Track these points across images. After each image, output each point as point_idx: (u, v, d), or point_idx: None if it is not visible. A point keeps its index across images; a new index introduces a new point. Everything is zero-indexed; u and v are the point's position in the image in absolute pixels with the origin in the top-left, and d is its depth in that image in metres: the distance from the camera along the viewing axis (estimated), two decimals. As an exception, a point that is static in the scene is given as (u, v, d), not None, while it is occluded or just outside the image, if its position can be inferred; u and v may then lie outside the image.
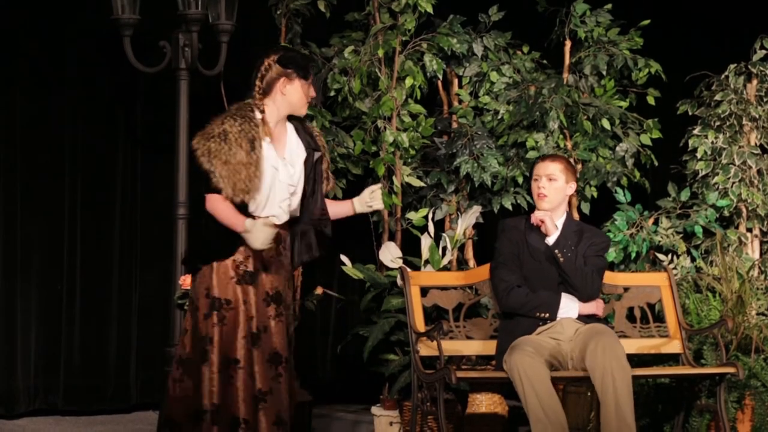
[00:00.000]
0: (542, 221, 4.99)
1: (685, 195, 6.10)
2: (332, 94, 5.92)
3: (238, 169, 4.31)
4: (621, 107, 6.08)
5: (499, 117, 6.03)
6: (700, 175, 6.14)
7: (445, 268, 5.68)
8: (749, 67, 6.16)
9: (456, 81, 6.18)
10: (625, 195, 6.06)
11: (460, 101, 6.15)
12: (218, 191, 4.33)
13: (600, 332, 4.84)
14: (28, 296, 5.95)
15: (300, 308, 5.83)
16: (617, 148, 6.08)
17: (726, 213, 6.10)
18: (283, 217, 4.46)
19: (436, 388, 4.89)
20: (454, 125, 6.13)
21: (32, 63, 5.95)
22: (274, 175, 4.40)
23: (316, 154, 4.53)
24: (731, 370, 5.09)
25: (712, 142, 6.12)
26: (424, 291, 5.30)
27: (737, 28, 6.60)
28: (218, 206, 4.34)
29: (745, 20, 6.56)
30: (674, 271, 5.77)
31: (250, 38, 6.14)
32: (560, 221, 5.04)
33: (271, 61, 4.44)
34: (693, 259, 5.99)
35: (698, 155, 6.14)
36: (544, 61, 6.21)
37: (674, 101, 6.25)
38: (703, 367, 5.29)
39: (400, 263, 5.60)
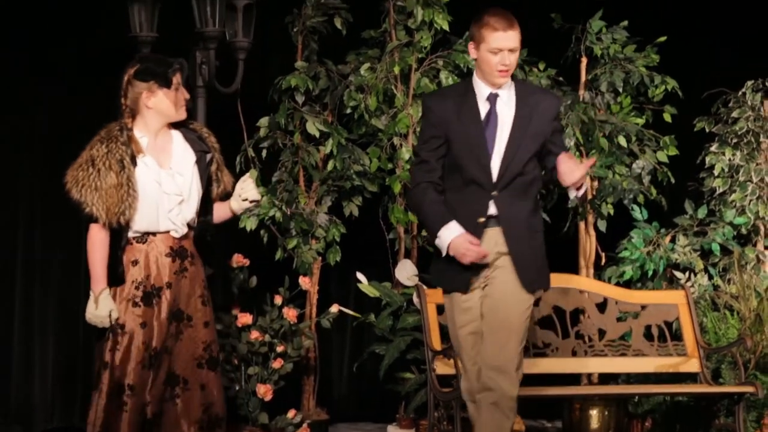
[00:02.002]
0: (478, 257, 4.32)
1: (702, 212, 6.08)
2: (348, 111, 5.92)
3: (110, 192, 4.19)
4: (637, 124, 6.06)
5: (516, 134, 6.02)
6: (718, 192, 6.12)
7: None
8: (766, 83, 6.14)
9: (472, 98, 6.17)
10: (641, 212, 6.04)
11: (477, 118, 6.14)
12: (92, 220, 4.21)
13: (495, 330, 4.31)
14: (45, 311, 5.96)
15: (316, 326, 5.83)
16: (634, 166, 6.06)
17: (743, 230, 6.08)
18: (181, 230, 4.33)
19: (453, 406, 4.88)
20: (471, 142, 6.12)
21: (52, 81, 5.97)
22: (158, 190, 4.29)
23: (208, 157, 4.41)
24: (750, 389, 5.06)
25: (730, 159, 6.10)
26: (441, 309, 5.29)
27: (754, 44, 6.58)
28: (92, 244, 4.23)
29: (763, 37, 6.54)
30: (692, 289, 5.75)
31: (267, 56, 6.16)
32: (506, 87, 4.39)
33: (129, 77, 4.32)
34: (710, 277, 5.96)
35: (715, 172, 6.12)
36: (560, 78, 6.20)
37: (691, 118, 6.24)
38: (722, 386, 5.27)
39: (416, 281, 5.59)
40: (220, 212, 4.50)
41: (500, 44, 4.31)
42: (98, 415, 4.20)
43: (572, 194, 4.37)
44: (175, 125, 4.40)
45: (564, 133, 4.41)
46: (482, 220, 4.31)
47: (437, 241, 4.32)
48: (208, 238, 4.42)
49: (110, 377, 4.20)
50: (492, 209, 4.32)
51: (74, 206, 4.22)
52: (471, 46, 4.40)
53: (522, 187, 4.35)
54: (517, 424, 5.58)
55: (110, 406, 4.20)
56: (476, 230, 4.30)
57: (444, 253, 4.32)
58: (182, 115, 4.38)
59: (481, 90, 4.39)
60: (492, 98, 4.37)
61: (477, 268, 4.32)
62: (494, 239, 4.34)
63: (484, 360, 4.31)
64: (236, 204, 4.50)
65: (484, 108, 4.37)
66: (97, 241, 4.22)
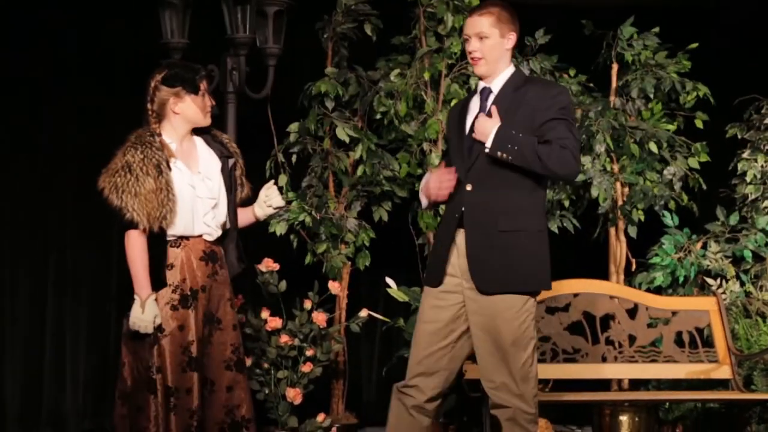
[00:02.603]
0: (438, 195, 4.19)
1: (734, 219, 6.04)
2: (378, 116, 5.94)
3: (150, 198, 4.22)
4: (668, 130, 6.04)
5: (546, 140, 6.01)
6: (750, 199, 6.08)
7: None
8: (799, 90, 6.11)
9: (502, 104, 6.17)
10: (672, 219, 6.01)
11: (506, 124, 6.14)
12: (134, 226, 4.23)
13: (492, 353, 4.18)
14: (77, 316, 6.01)
15: (345, 330, 5.84)
16: (665, 172, 6.04)
17: (776, 237, 6.04)
18: (215, 233, 4.37)
19: (482, 411, 4.86)
20: (500, 148, 6.11)
21: (82, 89, 6.02)
22: (192, 194, 4.33)
23: (231, 162, 4.45)
24: (782, 396, 5.02)
25: (762, 166, 6.06)
26: (470, 314, 5.27)
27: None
28: (134, 250, 4.24)
29: (795, 43, 6.51)
30: (723, 296, 5.71)
31: (297, 62, 6.19)
32: (500, 80, 4.25)
33: (157, 83, 4.35)
34: (742, 284, 5.92)
35: (747, 179, 6.08)
36: (591, 84, 6.19)
37: (723, 124, 6.20)
38: (754, 393, 5.22)
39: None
40: (243, 218, 4.53)
41: (467, 30, 4.25)
42: (160, 417, 4.21)
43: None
44: (196, 131, 4.44)
45: (574, 128, 4.18)
46: (457, 215, 4.20)
47: (421, 193, 4.29)
48: (239, 241, 4.46)
49: (163, 380, 4.24)
50: (464, 208, 4.18)
51: (113, 212, 4.23)
52: None
53: (507, 182, 4.14)
54: (546, 429, 5.55)
55: (167, 409, 4.23)
56: (451, 225, 4.21)
57: (425, 204, 4.28)
58: (208, 121, 4.42)
59: (478, 85, 4.33)
60: (485, 93, 4.27)
61: (440, 266, 4.19)
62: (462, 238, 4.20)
63: (488, 378, 4.18)
64: (260, 210, 4.53)
65: (475, 103, 4.30)
66: (138, 246, 4.25)
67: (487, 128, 4.14)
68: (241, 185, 4.50)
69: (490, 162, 4.15)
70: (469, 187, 4.19)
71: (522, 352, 4.15)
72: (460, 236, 4.20)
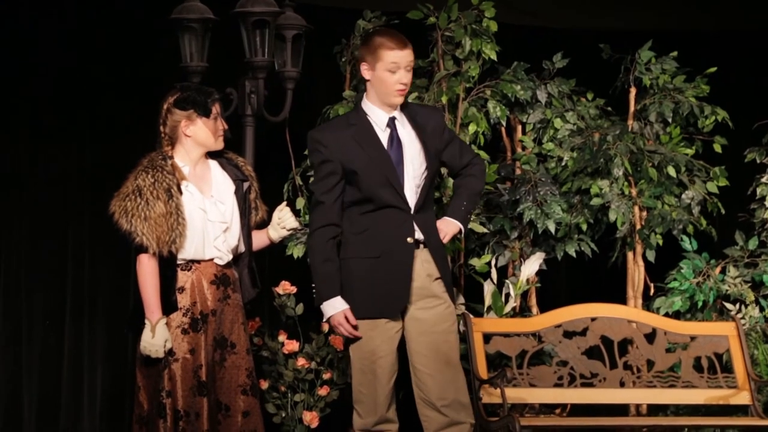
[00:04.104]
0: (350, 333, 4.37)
1: (753, 244, 6.01)
2: (396, 140, 5.94)
3: (159, 222, 4.21)
4: (687, 154, 6.03)
5: (563, 163, 6.01)
6: (769, 223, 6.06)
7: (508, 315, 5.64)
8: (818, 114, 6.09)
9: (519, 127, 6.18)
10: (691, 243, 5.98)
11: (524, 148, 6.14)
12: (144, 250, 4.23)
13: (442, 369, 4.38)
14: (94, 337, 6.02)
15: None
16: (683, 196, 6.02)
17: (795, 262, 6.00)
18: (226, 257, 4.37)
19: (497, 434, 4.85)
20: (518, 171, 6.12)
21: (102, 111, 6.05)
22: (203, 218, 4.32)
23: (245, 185, 4.45)
24: (802, 422, 4.98)
25: (781, 190, 6.04)
26: (487, 338, 5.27)
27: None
28: (145, 274, 4.25)
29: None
30: (742, 321, 5.68)
31: (315, 85, 6.21)
32: (401, 114, 4.43)
33: (169, 105, 4.36)
34: (762, 309, 5.88)
35: (767, 204, 6.05)
36: (609, 108, 6.18)
37: (742, 149, 6.18)
38: (773, 419, 5.19)
39: (462, 309, 5.57)
40: (258, 241, 4.53)
41: (398, 60, 4.31)
42: None
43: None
44: (211, 155, 4.44)
45: (464, 142, 4.69)
46: (411, 240, 4.34)
47: (321, 307, 4.37)
48: (252, 266, 4.46)
49: (172, 404, 4.23)
50: (417, 232, 4.35)
51: (123, 236, 4.25)
52: (364, 68, 4.39)
53: (429, 206, 4.43)
54: (564, 454, 5.52)
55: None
56: (407, 251, 4.31)
57: (324, 319, 4.40)
58: (220, 144, 4.42)
59: (377, 115, 4.39)
60: (392, 123, 4.39)
61: (403, 292, 4.33)
62: (420, 261, 4.36)
63: (440, 397, 4.31)
64: (274, 233, 4.53)
65: (384, 134, 4.37)
66: (149, 270, 4.26)
67: (450, 228, 4.48)
68: (256, 209, 4.50)
69: (428, 191, 4.41)
70: (415, 215, 4.36)
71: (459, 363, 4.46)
72: (418, 258, 4.35)
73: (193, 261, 4.32)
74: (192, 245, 4.30)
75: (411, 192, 4.35)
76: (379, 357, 4.34)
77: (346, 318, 4.31)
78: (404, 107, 4.44)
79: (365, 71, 4.38)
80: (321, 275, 4.33)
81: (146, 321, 4.24)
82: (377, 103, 4.39)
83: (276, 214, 4.52)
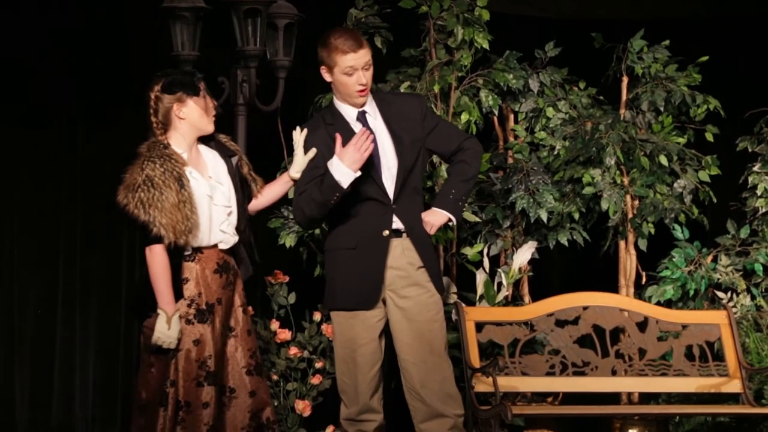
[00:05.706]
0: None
1: (744, 232, 6.02)
2: (388, 129, 5.94)
3: (173, 211, 4.18)
4: (679, 143, 6.03)
5: (555, 152, 6.01)
6: (760, 212, 6.06)
7: (500, 304, 5.65)
8: (810, 103, 6.10)
9: (512, 116, 6.18)
10: (683, 232, 5.99)
11: (516, 137, 6.15)
12: (159, 240, 4.20)
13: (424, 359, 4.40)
14: (86, 327, 6.01)
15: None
16: (675, 185, 6.03)
17: (787, 250, 6.01)
18: (232, 240, 4.37)
19: (492, 424, 4.85)
20: (510, 161, 6.12)
21: (92, 100, 6.04)
22: (209, 204, 4.31)
23: (234, 160, 4.44)
24: (793, 410, 5.00)
25: (772, 179, 6.05)
26: (479, 326, 5.28)
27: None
28: (158, 265, 4.21)
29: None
30: (734, 309, 5.69)
31: (307, 74, 6.19)
32: (369, 103, 4.47)
33: (157, 93, 4.34)
34: (753, 297, 5.90)
35: (758, 192, 6.06)
36: (601, 97, 6.19)
37: (733, 137, 6.19)
38: (764, 407, 5.20)
39: (454, 298, 5.58)
40: (273, 192, 4.53)
41: (354, 64, 4.36)
42: (167, 430, 4.21)
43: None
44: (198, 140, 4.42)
45: (451, 124, 4.62)
46: (387, 233, 4.36)
47: (337, 176, 4.27)
48: (251, 243, 4.46)
49: (175, 394, 4.24)
50: (396, 223, 4.38)
51: (138, 227, 4.21)
52: (324, 71, 4.44)
53: (413, 196, 4.42)
54: (556, 443, 5.55)
55: (174, 422, 4.23)
56: (381, 244, 4.35)
57: (348, 184, 4.26)
58: (212, 125, 4.40)
59: (348, 111, 4.45)
60: (362, 116, 4.43)
61: (377, 284, 4.35)
62: (401, 250, 4.38)
63: (423, 385, 4.35)
64: (296, 172, 4.49)
65: (357, 128, 4.41)
66: (162, 261, 4.23)
67: (437, 219, 4.42)
68: (254, 181, 4.50)
69: (407, 180, 4.40)
70: (394, 206, 4.38)
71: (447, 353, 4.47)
72: (396, 248, 4.37)
73: (197, 249, 4.30)
74: (201, 232, 4.30)
75: (389, 182, 4.38)
76: (360, 345, 4.37)
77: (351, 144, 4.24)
78: (378, 98, 4.47)
79: (325, 74, 4.46)
80: (315, 189, 4.34)
81: (160, 312, 4.21)
82: (344, 101, 4.46)
83: (295, 137, 4.45)
